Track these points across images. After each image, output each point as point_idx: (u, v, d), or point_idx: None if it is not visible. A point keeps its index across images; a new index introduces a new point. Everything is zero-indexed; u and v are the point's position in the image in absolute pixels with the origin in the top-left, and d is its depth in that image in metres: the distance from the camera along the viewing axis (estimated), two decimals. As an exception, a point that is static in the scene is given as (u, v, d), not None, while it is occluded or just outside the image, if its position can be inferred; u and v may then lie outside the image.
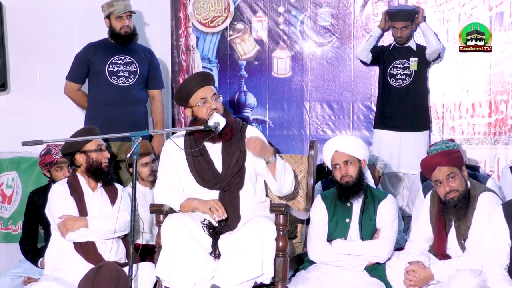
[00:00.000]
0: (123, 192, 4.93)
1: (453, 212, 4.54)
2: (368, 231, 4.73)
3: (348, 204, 4.77)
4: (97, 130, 5.00)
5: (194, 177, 4.69)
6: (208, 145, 4.70)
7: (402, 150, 6.28)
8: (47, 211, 4.89)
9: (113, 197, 4.89)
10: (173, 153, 4.74)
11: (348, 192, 4.74)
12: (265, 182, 4.80)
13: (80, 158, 4.87)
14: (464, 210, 4.54)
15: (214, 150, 4.71)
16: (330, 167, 4.90)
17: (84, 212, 4.82)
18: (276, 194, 4.79)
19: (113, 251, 4.78)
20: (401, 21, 6.30)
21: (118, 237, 4.82)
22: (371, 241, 4.71)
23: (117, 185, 5.00)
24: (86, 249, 4.74)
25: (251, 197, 4.69)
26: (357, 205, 4.77)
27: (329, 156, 4.83)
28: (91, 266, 4.67)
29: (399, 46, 6.37)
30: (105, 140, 5.07)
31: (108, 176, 4.90)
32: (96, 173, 4.86)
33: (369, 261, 4.66)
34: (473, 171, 5.50)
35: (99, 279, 4.51)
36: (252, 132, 4.77)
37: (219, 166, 4.69)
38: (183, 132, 4.83)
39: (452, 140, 5.74)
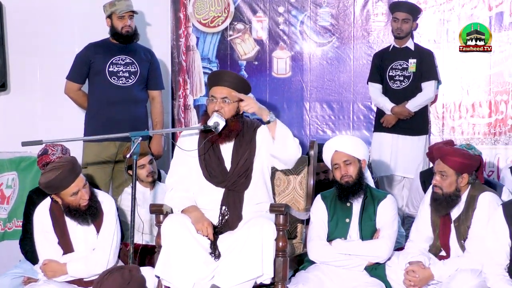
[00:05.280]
0: (110, 211, 4.77)
1: (434, 205, 4.61)
2: (368, 231, 4.73)
3: (348, 204, 4.77)
4: (79, 168, 4.75)
5: (202, 171, 4.69)
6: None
7: (399, 153, 6.28)
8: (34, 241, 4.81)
9: (98, 223, 4.73)
10: (187, 143, 4.74)
11: (348, 192, 4.74)
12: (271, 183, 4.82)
13: (57, 199, 4.70)
14: (444, 210, 4.57)
15: (226, 148, 4.70)
16: (330, 167, 4.89)
17: (69, 247, 4.70)
18: (283, 160, 4.63)
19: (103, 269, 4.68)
20: (403, 12, 6.28)
21: None
22: (371, 241, 4.71)
23: (105, 203, 4.79)
24: (75, 281, 4.70)
25: (256, 198, 4.68)
26: (357, 205, 4.77)
27: (329, 156, 4.83)
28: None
29: (398, 47, 6.36)
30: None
31: (87, 214, 4.67)
32: (73, 215, 4.67)
33: (369, 261, 4.66)
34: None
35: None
36: (265, 130, 4.76)
37: (228, 164, 4.68)
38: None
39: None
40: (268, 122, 4.55)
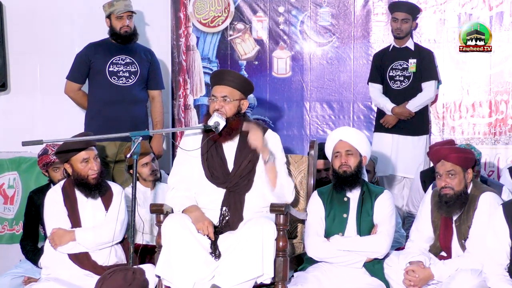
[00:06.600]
0: (119, 195, 4.88)
1: (444, 209, 4.57)
2: (366, 227, 4.71)
3: (345, 199, 4.77)
4: (94, 142, 4.91)
5: (204, 171, 4.68)
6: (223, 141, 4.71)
7: (399, 154, 6.29)
8: (44, 217, 4.88)
9: (107, 202, 4.83)
10: (190, 143, 4.74)
11: (344, 182, 4.72)
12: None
13: (68, 168, 4.83)
14: (457, 210, 4.56)
15: (229, 148, 4.70)
16: (330, 158, 4.87)
17: (77, 222, 4.78)
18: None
19: (109, 256, 4.75)
20: (402, 12, 6.28)
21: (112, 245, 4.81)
22: (369, 236, 4.69)
23: (114, 188, 4.93)
24: (80, 258, 4.73)
25: (257, 200, 4.66)
26: (354, 200, 4.76)
27: (332, 144, 4.81)
28: (87, 272, 4.70)
29: (398, 47, 6.37)
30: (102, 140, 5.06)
31: (96, 189, 4.79)
32: (81, 186, 4.79)
33: (368, 257, 4.66)
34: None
35: None
36: (270, 136, 4.74)
37: (230, 165, 4.68)
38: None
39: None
40: (266, 162, 4.56)
